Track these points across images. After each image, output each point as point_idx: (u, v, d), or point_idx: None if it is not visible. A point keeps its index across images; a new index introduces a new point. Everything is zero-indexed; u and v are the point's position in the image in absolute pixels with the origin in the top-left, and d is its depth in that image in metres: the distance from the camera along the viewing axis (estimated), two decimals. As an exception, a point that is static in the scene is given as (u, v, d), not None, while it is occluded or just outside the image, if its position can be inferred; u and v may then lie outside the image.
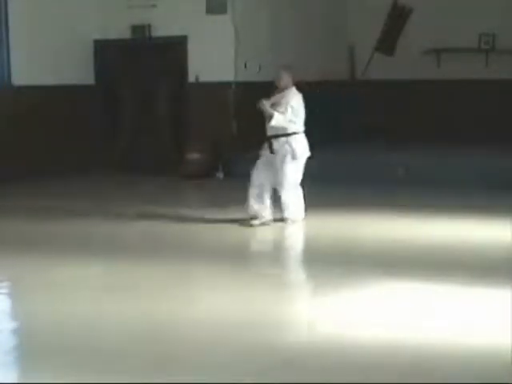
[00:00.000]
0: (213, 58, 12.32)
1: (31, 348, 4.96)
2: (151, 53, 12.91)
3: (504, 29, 13.51)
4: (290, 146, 8.48)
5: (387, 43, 14.54)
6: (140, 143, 13.10)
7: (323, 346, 4.84)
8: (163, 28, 12.52)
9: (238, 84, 12.29)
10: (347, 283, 6.18)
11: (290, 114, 8.42)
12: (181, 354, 4.77)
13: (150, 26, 12.68)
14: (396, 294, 5.94)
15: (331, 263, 6.89)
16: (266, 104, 8.45)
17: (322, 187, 10.67)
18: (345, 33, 14.56)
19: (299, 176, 8.61)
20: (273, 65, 12.72)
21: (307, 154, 8.66)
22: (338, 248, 7.50)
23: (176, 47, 12.63)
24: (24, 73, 12.04)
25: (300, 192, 8.63)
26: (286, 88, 8.55)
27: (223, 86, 12.23)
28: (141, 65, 13.03)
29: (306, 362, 4.58)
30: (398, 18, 14.45)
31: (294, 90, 8.59)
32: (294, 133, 8.51)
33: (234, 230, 8.28)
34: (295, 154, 8.50)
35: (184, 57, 12.60)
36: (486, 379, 4.30)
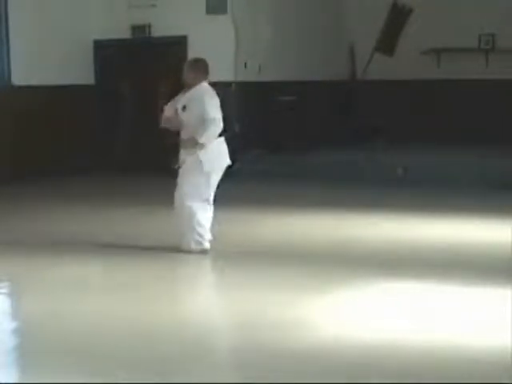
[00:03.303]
0: (213, 58, 12.29)
1: (31, 348, 4.96)
2: (151, 53, 12.91)
3: (504, 29, 13.50)
4: (198, 157, 7.12)
5: (387, 43, 14.54)
6: (140, 143, 13.10)
7: (323, 346, 4.83)
8: (163, 28, 12.52)
9: (238, 84, 12.29)
10: (347, 283, 6.18)
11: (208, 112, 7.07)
12: (180, 354, 4.76)
13: (150, 25, 12.69)
14: (396, 294, 5.94)
15: (330, 263, 6.89)
16: (168, 109, 7.38)
17: (321, 187, 10.67)
18: (345, 33, 14.56)
19: (206, 193, 7.19)
20: (273, 65, 12.81)
21: (222, 164, 7.25)
22: (337, 248, 7.50)
23: (176, 47, 12.62)
24: (24, 73, 12.04)
25: (203, 216, 7.17)
26: (193, 85, 7.25)
27: (223, 85, 12.21)
28: (141, 65, 13.02)
29: (306, 362, 4.58)
30: (397, 18, 14.45)
31: (203, 86, 7.24)
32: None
33: (232, 231, 8.28)
34: (202, 167, 7.12)
35: (184, 57, 12.58)
36: (486, 379, 4.30)
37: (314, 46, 13.74)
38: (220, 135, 7.29)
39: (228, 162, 7.33)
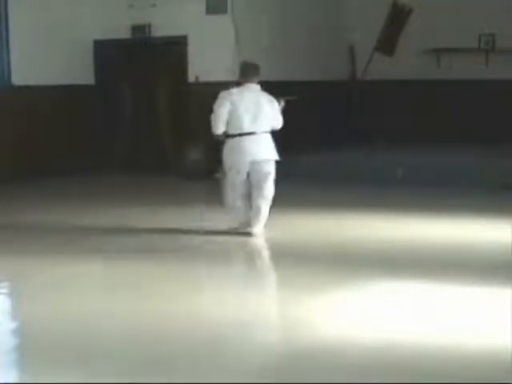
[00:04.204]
0: (213, 58, 12.31)
1: (31, 348, 4.96)
2: (151, 53, 12.91)
3: (504, 29, 13.50)
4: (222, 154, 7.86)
5: (387, 43, 14.53)
6: (140, 143, 13.11)
7: (323, 346, 4.84)
8: (163, 28, 12.52)
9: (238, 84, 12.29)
10: (347, 283, 6.18)
11: (214, 114, 7.79)
12: (181, 354, 4.76)
13: (150, 25, 12.69)
14: (396, 294, 5.94)
15: (330, 263, 6.89)
16: None
17: (322, 187, 10.68)
18: (345, 33, 14.56)
19: (232, 194, 7.85)
20: (273, 65, 12.80)
21: (240, 161, 7.75)
22: (337, 248, 7.50)
23: (176, 47, 12.63)
24: (24, 73, 12.04)
25: (235, 213, 7.94)
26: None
27: (223, 86, 12.21)
28: (141, 65, 13.03)
29: (305, 363, 4.58)
30: (397, 18, 14.45)
31: (245, 86, 7.88)
32: (228, 135, 7.82)
33: (232, 231, 8.28)
34: (224, 165, 7.87)
35: (184, 57, 12.60)
36: (486, 379, 4.30)
37: (314, 46, 13.73)
38: (251, 133, 7.76)
39: (250, 159, 7.74)
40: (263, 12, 12.80)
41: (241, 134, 7.72)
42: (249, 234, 7.86)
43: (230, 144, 7.79)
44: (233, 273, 6.81)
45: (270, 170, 7.88)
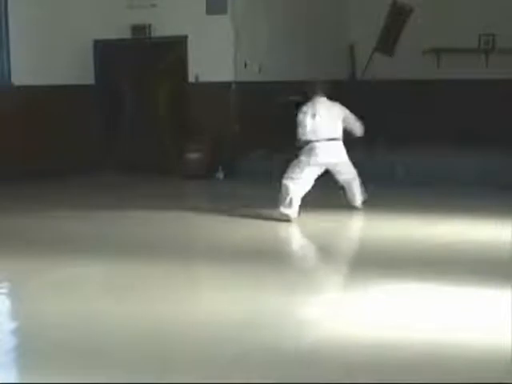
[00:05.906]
0: (213, 58, 12.31)
1: (31, 348, 4.96)
2: (151, 53, 12.91)
3: (504, 29, 13.50)
4: None
5: (387, 43, 14.53)
6: (140, 143, 13.10)
7: (324, 345, 4.84)
8: (163, 28, 12.52)
9: (238, 84, 12.29)
10: (347, 283, 6.18)
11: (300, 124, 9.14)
12: (182, 354, 4.77)
13: (150, 25, 12.69)
14: (396, 294, 5.94)
15: (331, 263, 6.89)
16: None
17: (323, 187, 10.66)
18: (345, 33, 14.56)
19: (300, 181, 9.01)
20: (273, 65, 12.80)
21: (312, 164, 9.01)
22: (338, 248, 7.50)
23: (176, 47, 12.63)
24: (24, 73, 12.05)
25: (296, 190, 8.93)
26: None
27: (223, 85, 12.23)
28: (141, 65, 13.03)
29: (306, 363, 4.58)
30: (397, 18, 14.44)
31: (314, 99, 9.18)
32: (305, 141, 9.10)
33: (234, 230, 8.28)
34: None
35: (184, 57, 12.60)
36: (486, 379, 4.30)
37: (314, 45, 13.73)
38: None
39: (320, 162, 8.99)
40: (263, 12, 12.79)
41: (315, 141, 9.00)
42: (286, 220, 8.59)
43: (307, 147, 9.04)
44: (234, 273, 6.80)
45: (342, 170, 9.25)
